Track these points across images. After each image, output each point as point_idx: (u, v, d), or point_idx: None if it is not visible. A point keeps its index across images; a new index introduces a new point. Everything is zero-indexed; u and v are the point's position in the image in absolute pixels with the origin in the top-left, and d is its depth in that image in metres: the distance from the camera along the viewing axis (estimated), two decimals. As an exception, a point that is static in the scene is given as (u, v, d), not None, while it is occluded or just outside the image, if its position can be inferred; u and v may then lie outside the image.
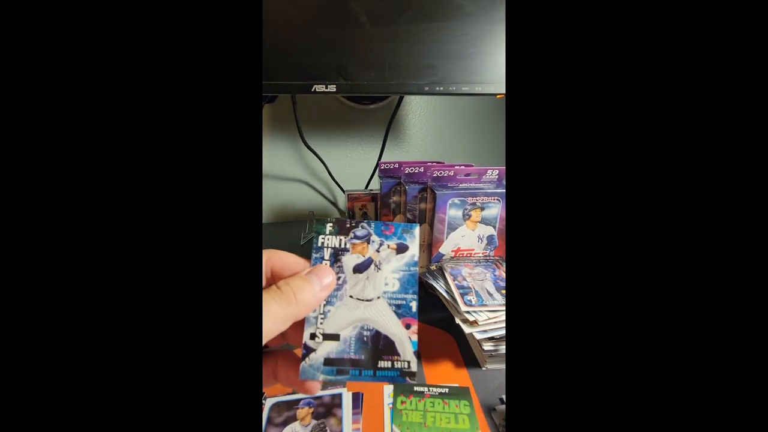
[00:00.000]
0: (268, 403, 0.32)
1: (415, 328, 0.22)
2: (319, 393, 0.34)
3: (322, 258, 0.22)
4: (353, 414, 0.32)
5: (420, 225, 0.45)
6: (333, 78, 0.42)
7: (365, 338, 0.22)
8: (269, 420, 0.31)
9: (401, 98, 0.65)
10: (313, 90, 0.42)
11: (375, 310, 0.22)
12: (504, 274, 0.41)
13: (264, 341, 0.16)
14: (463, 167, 0.44)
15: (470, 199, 0.43)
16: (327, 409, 0.32)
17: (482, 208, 0.44)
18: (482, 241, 0.45)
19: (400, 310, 0.22)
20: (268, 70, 0.41)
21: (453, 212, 0.43)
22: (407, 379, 0.22)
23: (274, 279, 0.20)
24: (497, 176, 0.44)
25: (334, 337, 0.22)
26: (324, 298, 0.21)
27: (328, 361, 0.21)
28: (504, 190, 0.43)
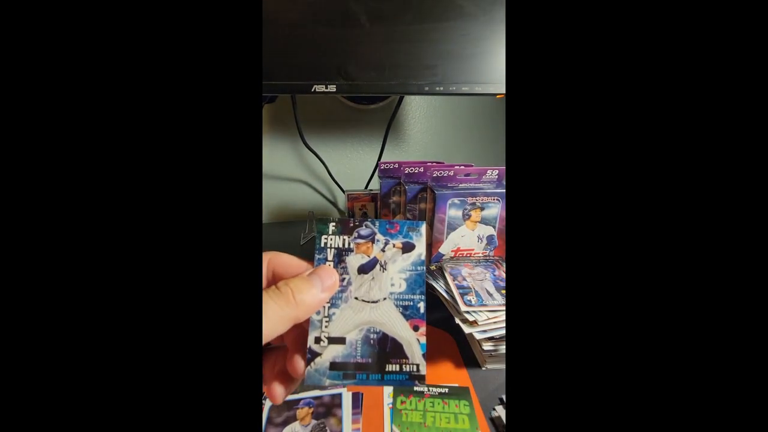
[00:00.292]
0: (268, 403, 0.32)
1: (423, 329, 0.21)
2: (319, 393, 0.34)
3: (326, 259, 0.22)
4: (353, 414, 0.32)
5: (420, 225, 0.45)
6: (333, 78, 0.42)
7: (372, 341, 0.21)
8: (269, 420, 0.31)
9: (401, 98, 0.65)
10: (313, 90, 0.42)
11: (381, 311, 0.21)
12: (504, 274, 0.41)
13: (262, 342, 0.16)
14: (462, 167, 0.44)
15: (470, 199, 0.43)
16: (327, 409, 0.32)
17: (482, 208, 0.44)
18: (482, 241, 0.45)
19: (408, 312, 0.22)
20: (268, 70, 0.41)
21: (453, 212, 0.43)
22: (416, 382, 0.21)
23: (276, 281, 0.19)
24: (497, 176, 0.44)
25: (340, 340, 0.21)
26: (326, 300, 0.21)
27: (333, 366, 0.20)
28: (504, 190, 0.43)
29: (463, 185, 0.44)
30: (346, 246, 0.22)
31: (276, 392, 0.21)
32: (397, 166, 0.46)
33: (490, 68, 0.43)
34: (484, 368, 0.37)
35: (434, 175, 0.44)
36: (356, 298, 0.21)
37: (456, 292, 0.37)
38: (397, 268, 0.22)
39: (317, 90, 0.42)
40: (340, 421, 0.31)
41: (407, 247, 0.22)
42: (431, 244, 0.44)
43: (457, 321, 0.35)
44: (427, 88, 0.43)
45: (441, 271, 0.43)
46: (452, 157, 0.78)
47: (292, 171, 0.74)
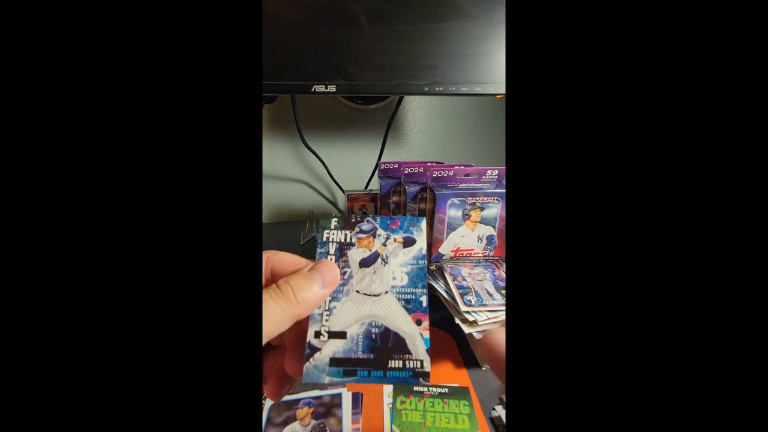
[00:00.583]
0: (268, 403, 0.32)
1: (426, 324, 0.21)
2: (319, 393, 0.34)
3: (327, 253, 0.22)
4: (353, 414, 0.32)
5: (420, 225, 0.45)
6: (333, 78, 0.42)
7: (374, 336, 0.20)
8: (269, 420, 0.31)
9: (401, 98, 0.65)
10: (313, 90, 0.42)
11: (383, 305, 0.21)
12: (504, 274, 0.41)
13: (263, 342, 0.16)
14: (462, 167, 0.44)
15: (470, 199, 0.43)
16: (327, 409, 0.32)
17: (482, 208, 0.44)
18: (482, 241, 0.45)
19: (410, 305, 0.21)
20: (268, 70, 0.41)
21: (453, 212, 0.43)
22: (420, 380, 0.20)
23: (274, 280, 0.19)
24: (497, 176, 0.44)
25: (341, 335, 0.20)
26: (327, 296, 0.20)
27: (334, 362, 0.20)
28: (504, 190, 0.43)
29: (463, 185, 0.44)
30: (348, 240, 0.22)
31: (275, 391, 0.21)
32: (397, 166, 0.46)
33: (490, 68, 0.43)
34: (484, 368, 0.37)
35: (434, 175, 0.44)
36: (358, 292, 0.21)
37: (456, 292, 0.37)
38: (399, 262, 0.22)
39: (317, 90, 0.42)
40: (340, 421, 0.31)
41: (408, 242, 0.22)
42: (431, 244, 0.44)
43: (457, 321, 0.35)
44: (427, 88, 0.43)
45: (441, 271, 0.43)
46: (452, 157, 0.78)
47: (292, 171, 0.74)
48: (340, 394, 0.33)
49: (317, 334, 0.20)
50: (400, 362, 0.20)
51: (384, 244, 0.22)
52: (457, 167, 0.44)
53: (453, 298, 0.37)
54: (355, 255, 0.22)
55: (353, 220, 0.23)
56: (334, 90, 0.42)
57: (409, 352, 0.20)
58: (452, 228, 0.44)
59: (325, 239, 0.22)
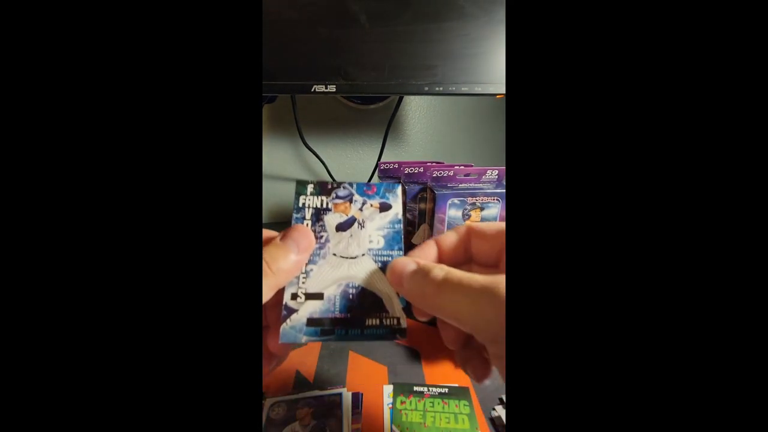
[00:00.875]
0: (267, 403, 0.32)
1: None
2: (319, 393, 0.34)
3: (303, 218, 0.22)
4: (353, 414, 0.32)
5: (420, 225, 0.45)
6: (333, 78, 0.42)
7: (351, 296, 0.21)
8: (269, 420, 0.31)
9: (401, 98, 0.65)
10: (313, 90, 0.42)
11: (360, 267, 0.21)
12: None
13: None
14: (462, 167, 0.44)
15: (470, 199, 0.43)
16: (327, 409, 0.32)
17: (482, 208, 0.44)
18: (482, 241, 0.45)
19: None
20: (268, 70, 0.41)
21: (453, 212, 0.43)
22: (398, 336, 0.20)
23: None
24: (497, 176, 0.44)
25: (318, 296, 0.20)
26: (304, 262, 0.20)
27: (311, 322, 0.20)
28: (504, 190, 0.43)
29: (463, 185, 0.44)
30: (324, 206, 0.22)
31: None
32: (397, 166, 0.46)
33: (490, 68, 0.43)
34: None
35: (434, 175, 0.44)
36: (334, 255, 0.21)
37: (456, 292, 0.37)
38: (375, 226, 0.22)
39: (317, 90, 0.42)
40: (340, 421, 0.31)
41: (384, 207, 0.23)
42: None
43: (457, 321, 0.35)
44: (427, 88, 0.43)
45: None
46: (452, 157, 0.78)
47: (292, 171, 0.74)
48: (340, 394, 0.33)
49: (294, 296, 0.20)
50: (378, 320, 0.20)
51: (360, 209, 0.22)
52: (457, 167, 0.44)
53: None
54: (332, 220, 0.22)
55: (329, 186, 0.23)
56: (334, 90, 0.42)
57: (386, 311, 0.21)
58: (452, 228, 0.44)
59: (301, 205, 0.22)
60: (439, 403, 0.33)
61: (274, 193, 0.75)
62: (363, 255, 0.21)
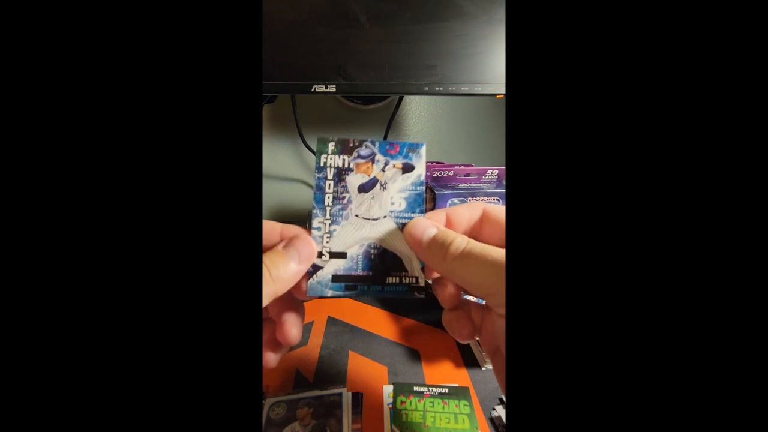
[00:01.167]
0: (267, 403, 0.32)
1: None
2: (319, 393, 0.34)
3: (326, 178, 0.22)
4: (353, 414, 0.32)
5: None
6: (333, 78, 0.42)
7: (372, 256, 0.22)
8: (269, 420, 0.31)
9: (401, 98, 0.65)
10: (313, 90, 0.42)
11: (381, 229, 0.22)
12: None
13: None
14: (462, 167, 0.44)
15: (470, 199, 0.43)
16: (327, 409, 0.32)
17: (482, 208, 0.43)
18: (482, 241, 0.45)
19: None
20: (268, 70, 0.41)
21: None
22: (416, 293, 0.21)
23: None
24: (497, 176, 0.44)
25: (341, 255, 0.21)
26: (304, 271, 0.21)
27: (335, 278, 0.21)
28: (504, 190, 0.43)
29: (463, 185, 0.44)
30: (346, 166, 0.22)
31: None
32: (397, 166, 0.46)
33: (490, 68, 0.43)
34: (483, 368, 0.37)
35: (434, 175, 0.44)
36: (357, 216, 0.22)
37: (456, 292, 0.37)
38: (397, 188, 0.22)
39: (317, 90, 0.42)
40: (340, 421, 0.31)
41: (407, 168, 0.22)
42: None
43: (457, 321, 0.35)
44: (427, 88, 0.43)
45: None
46: (452, 157, 0.78)
47: (292, 171, 0.74)
48: (340, 394, 0.33)
49: (319, 254, 0.21)
50: (397, 278, 0.22)
51: (383, 170, 0.22)
52: (457, 167, 0.44)
53: (453, 298, 0.37)
54: (354, 180, 0.22)
55: (351, 144, 0.22)
56: (334, 90, 0.42)
57: (406, 270, 0.22)
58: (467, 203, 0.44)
59: (322, 164, 0.22)
60: (439, 403, 0.33)
61: (274, 193, 0.75)
62: (384, 217, 0.22)
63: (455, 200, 0.42)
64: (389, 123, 0.66)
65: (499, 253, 0.17)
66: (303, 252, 0.20)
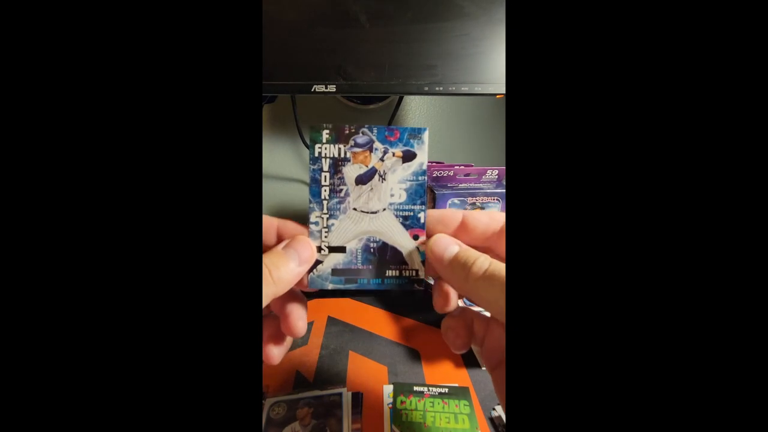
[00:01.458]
0: (267, 403, 0.32)
1: (423, 239, 0.21)
2: (319, 393, 0.34)
3: (321, 170, 0.21)
4: (353, 414, 0.32)
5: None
6: (333, 78, 0.42)
7: (372, 249, 0.21)
8: (269, 420, 0.31)
9: (401, 98, 0.65)
10: (313, 90, 0.42)
11: (381, 222, 0.21)
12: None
13: None
14: (462, 167, 0.44)
15: (470, 199, 0.43)
16: (327, 409, 0.32)
17: (482, 208, 0.44)
18: (482, 241, 0.45)
19: (408, 222, 0.21)
20: (268, 70, 0.41)
21: (447, 209, 0.43)
22: (416, 286, 0.21)
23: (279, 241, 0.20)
24: (497, 176, 0.44)
25: (340, 249, 0.21)
26: (304, 272, 0.20)
27: (335, 272, 0.21)
28: (504, 190, 0.43)
29: (463, 185, 0.44)
30: (342, 155, 0.21)
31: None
32: (397, 166, 0.46)
33: (490, 68, 0.43)
34: (483, 368, 0.37)
35: (434, 175, 0.44)
36: (355, 209, 0.21)
37: (456, 292, 0.37)
38: (397, 179, 0.21)
39: (317, 90, 0.42)
40: (340, 421, 0.31)
41: (408, 156, 0.21)
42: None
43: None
44: (427, 88, 0.43)
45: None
46: (452, 157, 0.78)
47: (292, 171, 0.74)
48: (340, 394, 0.33)
49: (318, 249, 0.21)
50: (397, 272, 0.21)
51: (381, 159, 0.21)
52: (457, 167, 0.44)
53: (453, 298, 0.37)
54: (351, 171, 0.21)
55: (347, 131, 0.21)
56: (334, 90, 0.42)
57: (406, 264, 0.21)
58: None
59: (317, 155, 0.21)
60: (439, 403, 0.33)
61: (274, 193, 0.75)
62: (384, 210, 0.21)
63: (455, 200, 0.42)
64: (389, 123, 0.66)
65: None
66: (303, 254, 0.20)
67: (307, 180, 0.79)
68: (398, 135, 0.21)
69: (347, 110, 0.70)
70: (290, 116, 0.64)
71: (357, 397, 0.33)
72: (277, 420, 0.31)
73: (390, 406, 0.32)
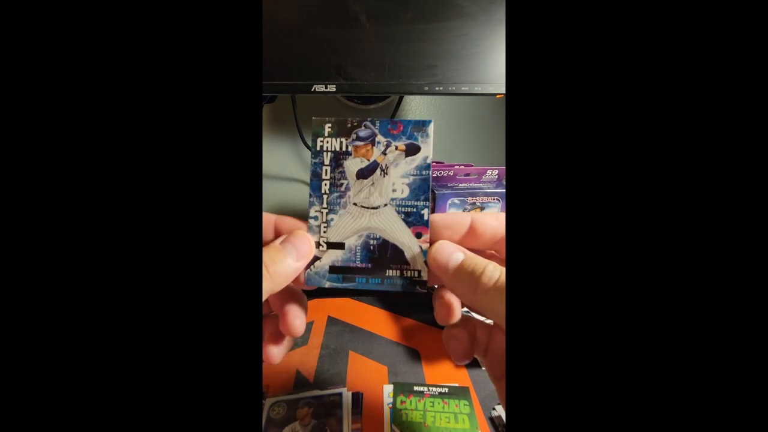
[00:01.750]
0: (267, 403, 0.33)
1: (426, 237, 0.20)
2: (319, 393, 0.34)
3: (322, 163, 0.21)
4: (353, 414, 0.32)
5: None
6: (333, 78, 0.42)
7: (372, 247, 0.20)
8: (269, 420, 0.31)
9: (401, 98, 0.65)
10: (313, 90, 0.42)
11: (382, 218, 0.20)
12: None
13: None
14: (462, 167, 0.44)
15: (470, 199, 0.43)
16: (327, 409, 0.32)
17: (482, 208, 0.44)
18: (482, 241, 0.45)
19: (410, 219, 0.20)
20: (268, 70, 0.41)
21: (453, 212, 0.43)
22: (417, 288, 0.20)
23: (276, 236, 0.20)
24: (497, 176, 0.44)
25: (339, 246, 0.20)
26: (302, 268, 0.20)
27: (333, 269, 0.20)
28: (504, 190, 0.43)
29: (463, 185, 0.44)
30: (344, 149, 0.21)
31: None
32: (397, 165, 0.46)
33: (490, 68, 0.43)
34: (483, 368, 0.37)
35: (434, 174, 0.44)
36: (355, 204, 0.20)
37: (456, 292, 0.37)
38: (400, 173, 0.20)
39: (317, 90, 0.42)
40: (340, 421, 0.31)
41: (411, 150, 0.20)
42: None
43: (457, 321, 0.35)
44: (427, 88, 0.43)
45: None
46: (452, 157, 0.78)
47: (292, 171, 0.74)
48: (340, 394, 0.33)
49: (317, 245, 0.20)
50: (398, 272, 0.20)
51: (384, 153, 0.20)
52: (457, 167, 0.44)
53: (453, 298, 0.37)
54: (352, 165, 0.20)
55: (349, 125, 0.21)
56: (334, 90, 0.42)
57: (407, 263, 0.20)
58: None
59: (318, 148, 0.21)
60: (439, 403, 0.33)
61: (274, 194, 0.75)
62: (385, 205, 0.20)
63: (455, 200, 0.42)
64: (389, 123, 0.66)
65: None
66: (301, 249, 0.19)
67: (307, 180, 0.79)
68: (402, 128, 0.20)
69: (347, 110, 0.70)
70: (290, 116, 0.64)
71: (357, 397, 0.33)
72: (277, 420, 0.31)
73: (390, 406, 0.32)
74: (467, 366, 0.38)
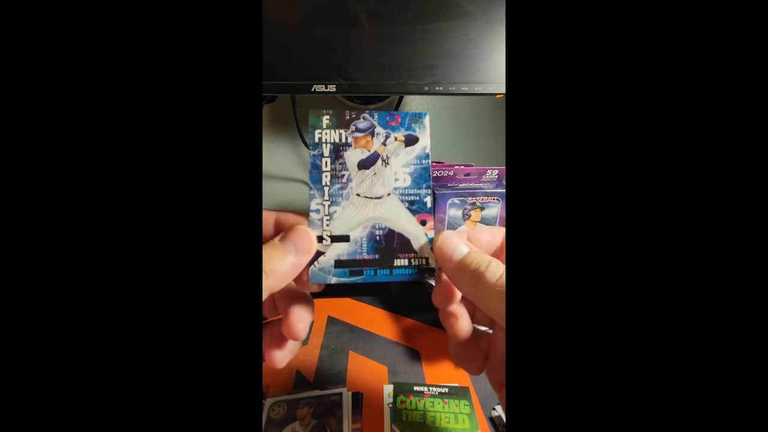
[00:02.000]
0: (267, 403, 0.33)
1: (431, 224, 0.21)
2: (319, 393, 0.34)
3: (321, 155, 0.20)
4: (353, 414, 0.32)
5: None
6: (333, 78, 0.42)
7: (378, 237, 0.20)
8: (269, 420, 0.31)
9: (401, 98, 0.65)
10: (313, 90, 0.42)
11: (386, 207, 0.20)
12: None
13: None
14: (462, 167, 0.44)
15: (470, 199, 0.43)
16: (327, 409, 0.32)
17: (482, 208, 0.44)
18: (482, 241, 0.45)
19: (414, 207, 0.21)
20: (268, 70, 0.41)
21: (453, 212, 0.43)
22: (426, 275, 0.20)
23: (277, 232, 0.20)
24: (497, 176, 0.44)
25: (344, 238, 0.20)
26: (303, 265, 0.19)
27: (339, 263, 0.20)
28: (504, 190, 0.43)
29: (463, 185, 0.44)
30: (343, 141, 0.21)
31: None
32: (397, 165, 0.46)
33: (490, 68, 0.43)
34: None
35: (434, 175, 0.44)
36: (358, 195, 0.20)
37: (456, 292, 0.37)
38: (401, 162, 0.21)
39: (317, 90, 0.42)
40: (340, 421, 0.31)
41: (410, 140, 0.21)
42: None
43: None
44: (427, 88, 0.43)
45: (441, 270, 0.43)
46: (452, 157, 0.78)
47: (292, 171, 0.74)
48: (340, 394, 0.33)
49: (320, 239, 0.20)
50: (406, 260, 0.20)
51: (384, 144, 0.21)
52: (457, 167, 0.44)
53: (453, 298, 0.37)
54: (353, 156, 0.21)
55: (348, 117, 0.21)
56: (334, 90, 0.42)
57: (414, 251, 0.20)
58: (452, 227, 0.44)
59: (317, 140, 0.20)
60: (439, 403, 0.33)
61: (274, 194, 0.75)
62: (388, 195, 0.20)
63: (455, 200, 0.42)
64: (389, 123, 0.66)
65: None
66: (300, 244, 0.19)
67: (308, 180, 0.79)
68: (399, 120, 0.21)
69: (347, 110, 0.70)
70: (290, 116, 0.64)
71: (357, 397, 0.33)
72: (277, 420, 0.31)
73: (390, 405, 0.33)
74: (467, 366, 0.38)
